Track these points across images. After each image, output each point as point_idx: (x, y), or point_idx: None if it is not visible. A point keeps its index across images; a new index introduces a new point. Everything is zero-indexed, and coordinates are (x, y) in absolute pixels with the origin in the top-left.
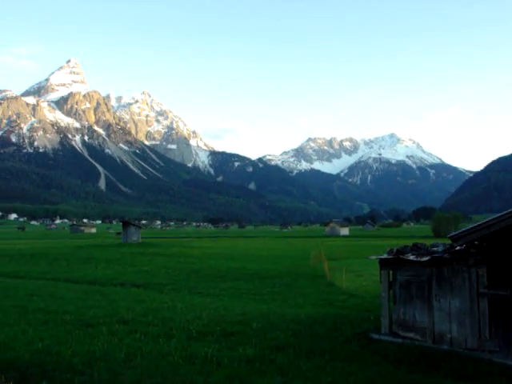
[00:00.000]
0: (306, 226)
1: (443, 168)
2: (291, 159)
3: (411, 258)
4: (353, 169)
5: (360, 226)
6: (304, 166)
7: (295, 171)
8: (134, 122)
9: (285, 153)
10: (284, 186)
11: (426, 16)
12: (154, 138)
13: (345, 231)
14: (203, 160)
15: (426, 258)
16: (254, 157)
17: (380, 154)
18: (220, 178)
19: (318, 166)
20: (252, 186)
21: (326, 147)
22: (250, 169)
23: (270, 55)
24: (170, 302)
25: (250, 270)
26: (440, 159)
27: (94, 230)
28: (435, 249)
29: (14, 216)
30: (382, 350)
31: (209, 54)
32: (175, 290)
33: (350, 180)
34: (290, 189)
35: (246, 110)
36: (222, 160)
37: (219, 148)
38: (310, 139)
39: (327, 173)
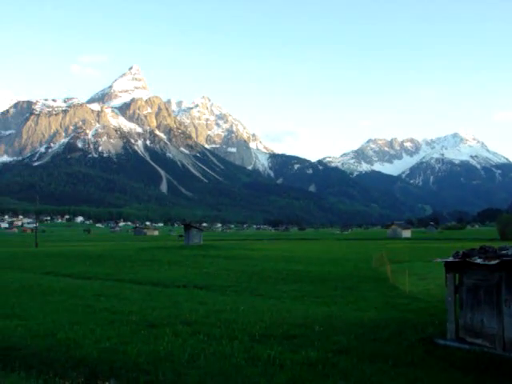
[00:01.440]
0: (367, 229)
1: (510, 168)
2: (351, 161)
3: (479, 261)
4: (414, 170)
5: (422, 228)
6: (364, 167)
7: (355, 173)
8: (194, 125)
9: (345, 154)
10: (344, 187)
11: (488, 13)
12: (214, 142)
13: (407, 233)
14: (263, 163)
15: (494, 262)
16: (313, 159)
17: (442, 155)
18: (280, 181)
19: (378, 167)
20: (312, 188)
21: (386, 148)
22: (310, 171)
23: (328, 57)
24: (232, 303)
25: (312, 273)
26: (507, 159)
27: (156, 233)
28: (504, 252)
29: (80, 219)
30: (449, 356)
31: (266, 57)
32: (237, 292)
33: (412, 181)
34: (350, 191)
35: (306, 112)
36: (281, 162)
37: (279, 150)
38: (370, 140)
39: (388, 174)
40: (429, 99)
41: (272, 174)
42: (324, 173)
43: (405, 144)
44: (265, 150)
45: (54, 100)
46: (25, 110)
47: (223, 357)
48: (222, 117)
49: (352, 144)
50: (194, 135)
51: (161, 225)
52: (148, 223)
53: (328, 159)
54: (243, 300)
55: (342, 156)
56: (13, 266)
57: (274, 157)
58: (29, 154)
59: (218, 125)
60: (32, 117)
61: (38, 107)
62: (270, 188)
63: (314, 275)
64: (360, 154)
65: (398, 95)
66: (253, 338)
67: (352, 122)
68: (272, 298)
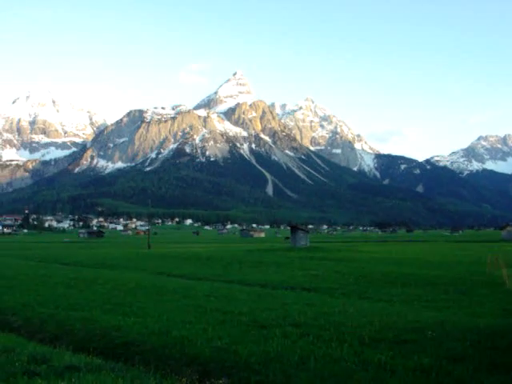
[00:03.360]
0: (479, 230)
1: None
2: (461, 159)
3: None
4: None
5: None
6: (475, 166)
7: (465, 172)
8: (298, 128)
9: (454, 153)
10: (454, 187)
11: None
12: (318, 143)
13: None
14: (368, 163)
15: None
16: (420, 158)
17: None
18: (386, 181)
19: (490, 165)
20: (420, 188)
21: (499, 145)
22: (417, 171)
23: (432, 53)
24: (340, 306)
25: (421, 276)
26: None
27: (262, 235)
28: None
29: (189, 221)
30: None
31: (369, 56)
32: (345, 295)
33: None
34: (460, 191)
35: (412, 111)
36: (387, 163)
37: (384, 151)
38: (481, 137)
39: (501, 173)
40: None
41: (378, 175)
42: (432, 173)
43: None
44: (370, 151)
45: (163, 108)
46: (137, 119)
47: (333, 360)
48: (326, 118)
49: (461, 142)
50: (298, 137)
51: (267, 227)
52: (254, 225)
53: (436, 158)
54: (351, 302)
55: (450, 155)
56: (128, 267)
57: (379, 157)
58: (141, 160)
59: (322, 126)
60: (143, 124)
61: (148, 115)
62: (376, 189)
63: (423, 278)
64: (470, 152)
65: (509, 88)
66: (362, 342)
67: (460, 119)
68: (381, 301)
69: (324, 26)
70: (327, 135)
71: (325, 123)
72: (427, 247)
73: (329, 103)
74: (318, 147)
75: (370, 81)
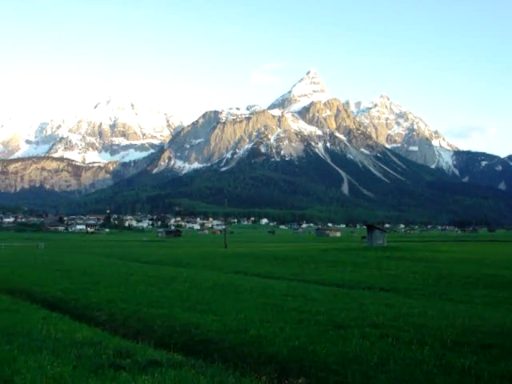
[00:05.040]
0: None
1: None
2: None
3: None
4: None
5: None
6: None
7: None
8: (373, 125)
9: None
10: None
11: None
12: (394, 141)
13: None
14: (447, 160)
15: None
16: (503, 154)
17: None
18: (466, 179)
19: None
20: (502, 185)
21: None
22: (500, 167)
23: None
24: (420, 307)
25: (506, 278)
26: None
27: (338, 234)
28: None
29: (264, 221)
30: None
31: (445, 52)
32: (424, 296)
33: None
34: None
35: (493, 106)
36: (467, 160)
37: (464, 147)
38: None
39: None
40: None
41: (457, 172)
42: None
43: None
44: (448, 148)
45: (237, 108)
46: (212, 120)
47: (413, 362)
48: (401, 115)
49: None
50: (373, 135)
51: (342, 226)
52: (330, 224)
53: None
54: (431, 304)
55: None
56: (206, 265)
57: (458, 154)
58: (216, 161)
59: (398, 123)
60: (219, 125)
61: (223, 116)
62: (455, 187)
63: (508, 280)
64: None
65: None
66: (444, 345)
67: None
68: (462, 303)
69: (399, 24)
70: (403, 132)
71: (401, 120)
72: (510, 247)
73: (404, 100)
74: (394, 145)
75: (446, 76)
